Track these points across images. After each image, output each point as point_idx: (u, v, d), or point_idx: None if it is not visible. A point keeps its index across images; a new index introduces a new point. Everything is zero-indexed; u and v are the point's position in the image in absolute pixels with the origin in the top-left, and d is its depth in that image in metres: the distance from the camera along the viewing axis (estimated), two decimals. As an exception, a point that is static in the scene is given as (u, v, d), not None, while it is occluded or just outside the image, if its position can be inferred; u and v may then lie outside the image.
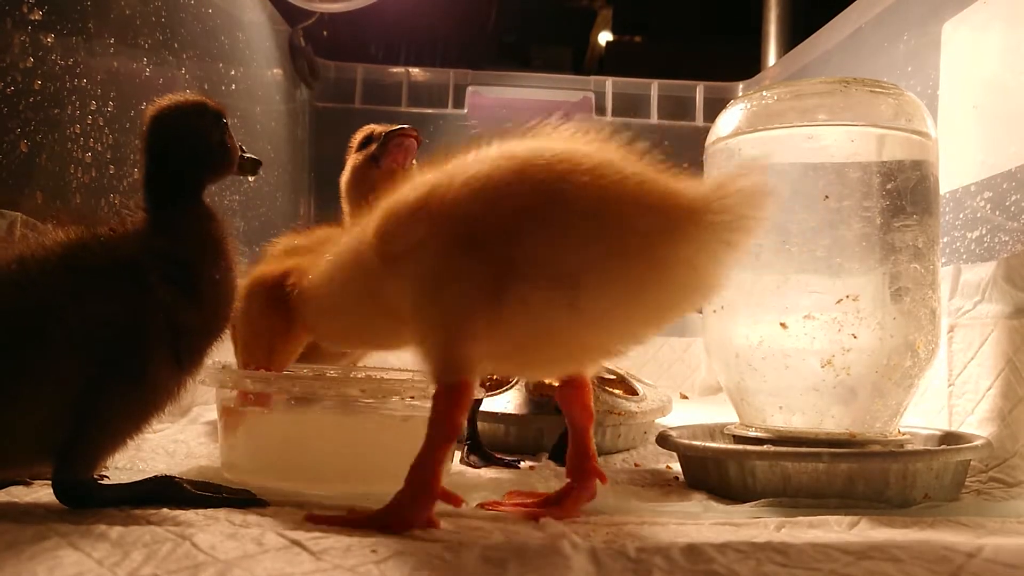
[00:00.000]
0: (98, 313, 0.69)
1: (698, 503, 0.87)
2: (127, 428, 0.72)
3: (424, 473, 0.68)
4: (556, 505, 0.77)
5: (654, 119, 2.37)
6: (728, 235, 0.65)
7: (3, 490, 0.79)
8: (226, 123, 0.82)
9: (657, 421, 1.37)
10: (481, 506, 0.79)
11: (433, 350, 0.70)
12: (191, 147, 0.78)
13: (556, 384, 0.82)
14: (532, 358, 0.75)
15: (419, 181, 0.74)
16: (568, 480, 0.79)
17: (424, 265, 0.70)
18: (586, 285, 0.65)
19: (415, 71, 2.38)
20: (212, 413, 1.31)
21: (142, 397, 0.71)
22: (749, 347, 1.01)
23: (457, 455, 1.10)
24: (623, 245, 0.64)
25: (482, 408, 1.27)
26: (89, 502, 0.70)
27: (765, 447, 0.93)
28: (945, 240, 1.24)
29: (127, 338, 0.69)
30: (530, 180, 0.66)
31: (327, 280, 0.83)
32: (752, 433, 1.02)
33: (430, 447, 0.69)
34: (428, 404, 0.92)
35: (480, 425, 1.30)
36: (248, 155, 0.86)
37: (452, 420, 0.69)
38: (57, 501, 0.71)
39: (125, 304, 0.70)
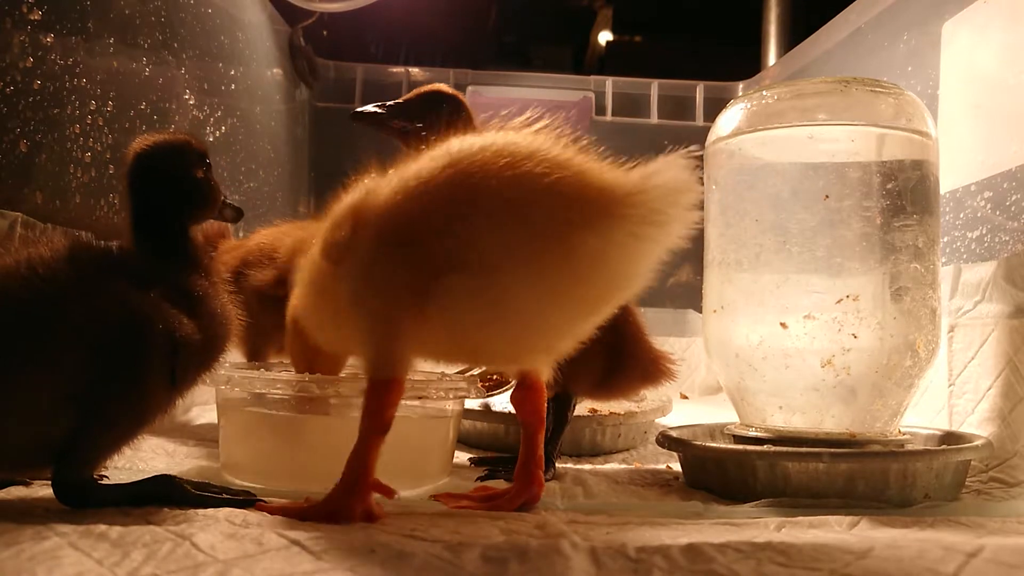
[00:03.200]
0: (101, 316, 0.69)
1: (698, 503, 0.87)
2: (126, 430, 0.72)
3: (357, 466, 0.71)
4: (493, 501, 0.80)
5: (654, 119, 2.37)
6: (638, 229, 0.64)
7: (3, 490, 0.79)
8: (209, 164, 0.82)
9: (657, 421, 1.37)
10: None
11: (365, 347, 0.73)
12: (172, 185, 0.79)
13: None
14: (467, 352, 0.76)
15: (358, 186, 0.76)
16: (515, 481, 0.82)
17: (356, 266, 0.72)
18: (504, 275, 0.65)
19: (415, 71, 2.38)
20: (212, 413, 1.31)
21: (140, 400, 0.71)
22: (749, 347, 1.01)
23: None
24: (536, 234, 0.65)
25: (481, 408, 1.27)
26: (89, 502, 0.70)
27: (765, 447, 0.93)
28: (945, 240, 1.24)
29: (128, 341, 0.70)
30: (452, 175, 0.68)
31: (304, 292, 0.85)
32: (752, 433, 1.02)
33: (362, 441, 0.71)
34: (429, 404, 0.93)
35: (479, 425, 1.30)
36: (231, 202, 0.86)
37: (382, 415, 0.71)
38: (57, 501, 0.71)
39: (128, 310, 0.70)
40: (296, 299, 0.88)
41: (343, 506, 0.69)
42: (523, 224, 0.65)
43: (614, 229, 0.64)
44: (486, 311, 0.67)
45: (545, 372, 0.81)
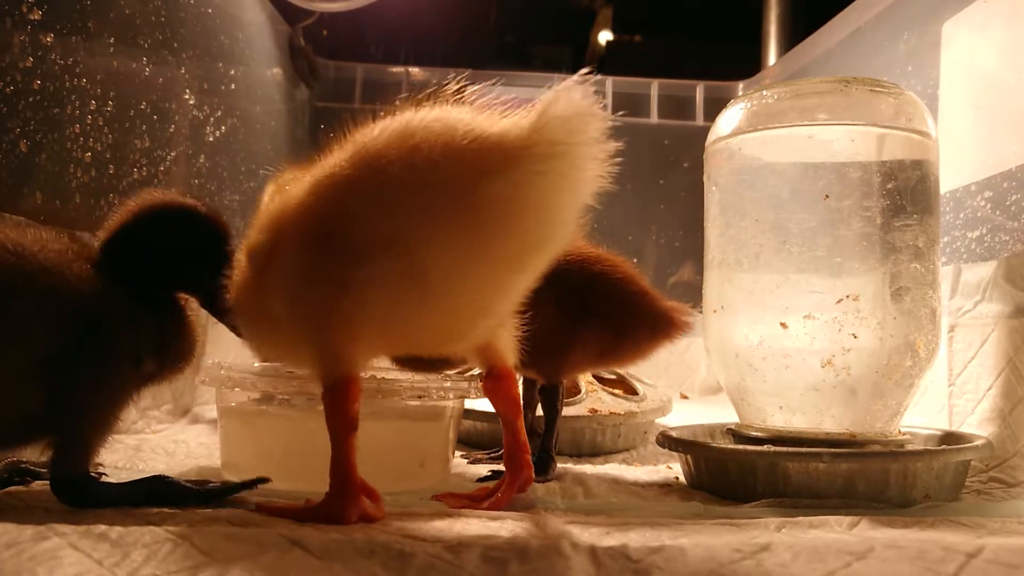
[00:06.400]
0: (67, 288, 0.70)
1: (698, 503, 0.87)
2: (101, 410, 0.73)
3: (339, 471, 0.70)
4: (491, 497, 0.80)
5: (654, 119, 2.36)
6: (540, 166, 0.62)
7: (3, 490, 0.79)
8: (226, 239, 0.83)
9: (657, 421, 1.37)
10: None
11: (308, 351, 0.71)
12: (171, 254, 0.80)
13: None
14: (411, 340, 0.75)
15: (274, 189, 0.76)
16: (505, 471, 0.82)
17: (282, 270, 0.71)
18: (419, 248, 0.64)
19: (415, 70, 2.38)
20: (212, 413, 1.31)
21: (107, 377, 0.72)
22: (749, 347, 1.01)
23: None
24: (441, 197, 0.63)
25: (482, 408, 1.27)
26: (88, 500, 0.71)
27: (765, 447, 0.93)
28: (945, 240, 1.24)
29: (94, 314, 0.71)
30: (357, 159, 0.67)
31: (236, 305, 0.80)
32: (752, 433, 1.02)
33: (335, 446, 0.70)
34: (429, 404, 0.93)
35: (479, 425, 1.30)
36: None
37: (345, 415, 0.69)
38: (57, 502, 0.71)
39: (93, 286, 0.71)
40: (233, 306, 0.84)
41: (336, 510, 0.69)
42: (426, 191, 0.63)
43: (516, 171, 0.62)
44: (412, 290, 0.65)
45: (508, 356, 0.80)
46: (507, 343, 0.80)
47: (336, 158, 0.69)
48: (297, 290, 0.70)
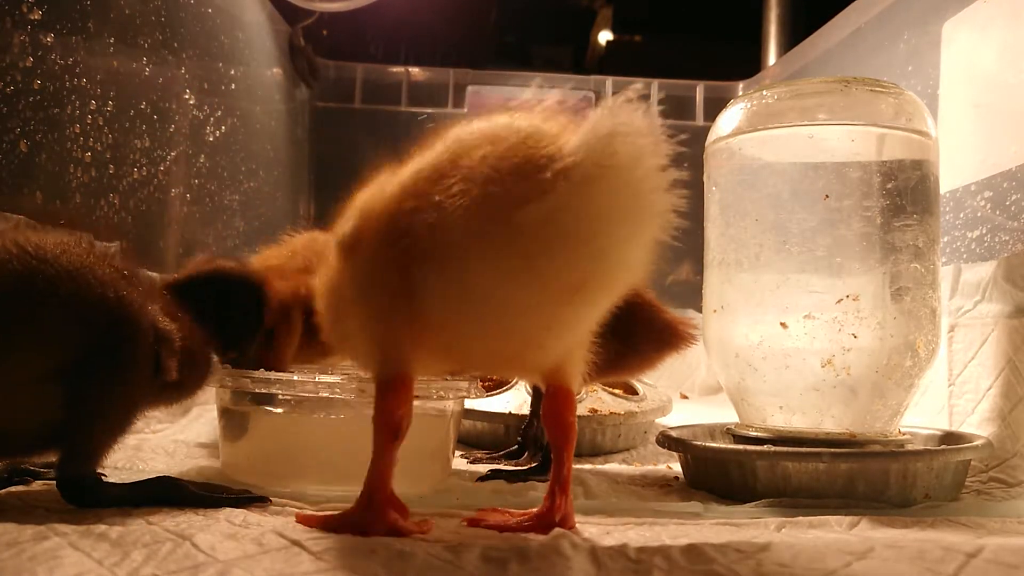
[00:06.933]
0: (88, 295, 0.70)
1: (698, 503, 0.87)
2: (116, 417, 0.73)
3: (371, 480, 0.69)
4: (532, 523, 0.72)
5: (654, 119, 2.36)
6: (582, 191, 0.59)
7: (3, 490, 0.79)
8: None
9: (657, 421, 1.37)
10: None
11: (366, 345, 0.71)
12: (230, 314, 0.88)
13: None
14: (463, 353, 0.73)
15: (368, 184, 0.74)
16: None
17: (359, 264, 0.71)
18: (464, 261, 0.62)
19: (415, 70, 2.38)
20: (212, 413, 1.31)
21: (125, 385, 0.72)
22: (749, 347, 1.01)
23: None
24: (485, 213, 0.61)
25: (482, 408, 1.28)
26: (93, 501, 0.71)
27: (765, 447, 0.93)
28: (945, 240, 1.24)
29: (114, 322, 0.70)
30: (429, 164, 0.66)
31: (319, 291, 0.81)
32: (752, 433, 1.02)
33: (375, 450, 0.69)
34: (429, 404, 0.93)
35: (480, 425, 1.30)
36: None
37: (390, 417, 0.68)
38: (57, 501, 0.71)
39: (116, 293, 0.71)
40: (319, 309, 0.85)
41: (361, 521, 0.67)
42: (473, 207, 0.61)
43: (553, 196, 0.59)
44: (459, 302, 0.64)
45: (571, 377, 0.74)
46: (574, 364, 0.74)
47: (418, 159, 0.69)
48: (367, 283, 0.70)
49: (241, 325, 0.88)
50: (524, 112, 0.67)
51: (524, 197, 0.60)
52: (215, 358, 0.86)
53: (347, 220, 0.73)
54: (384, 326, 0.70)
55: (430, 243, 0.64)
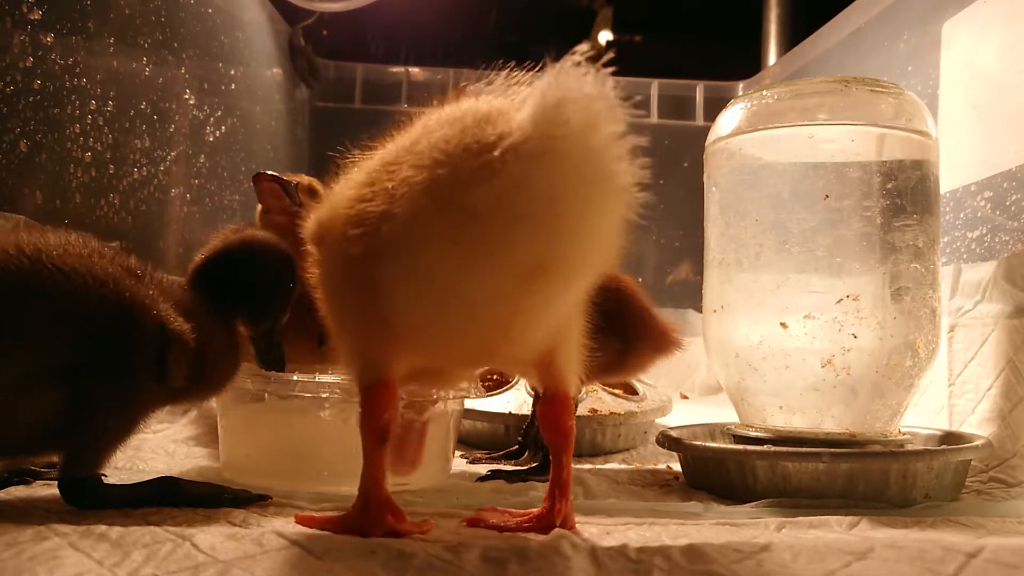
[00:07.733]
0: (92, 296, 0.70)
1: (698, 503, 0.87)
2: (118, 422, 0.72)
3: (365, 484, 0.68)
4: (532, 524, 0.71)
5: (654, 118, 2.36)
6: (529, 167, 0.55)
7: (3, 490, 0.79)
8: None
9: (657, 421, 1.37)
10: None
11: (345, 352, 0.70)
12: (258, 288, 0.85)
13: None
14: (441, 347, 0.70)
15: (325, 194, 0.74)
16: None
17: (324, 263, 0.70)
18: (421, 249, 0.60)
19: (415, 70, 2.38)
20: (212, 413, 1.31)
21: (128, 391, 0.72)
22: (749, 347, 1.01)
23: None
24: (433, 199, 0.58)
25: (482, 408, 1.28)
26: (95, 502, 0.71)
27: (765, 447, 0.93)
28: (945, 240, 1.24)
29: (116, 335, 0.70)
30: (383, 157, 0.65)
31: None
32: (752, 433, 1.02)
33: (364, 456, 0.68)
34: (429, 404, 0.93)
35: (480, 425, 1.30)
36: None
37: (375, 421, 0.67)
38: (57, 502, 0.71)
39: (121, 293, 0.71)
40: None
41: (359, 524, 0.66)
42: (424, 194, 0.59)
43: (501, 176, 0.56)
44: (417, 291, 0.62)
45: (566, 380, 0.72)
46: (568, 365, 0.71)
47: (376, 154, 0.67)
48: (335, 290, 0.69)
49: (275, 291, 0.85)
50: (492, 94, 0.64)
51: (474, 179, 0.56)
52: (237, 366, 0.84)
53: (313, 216, 0.72)
54: (357, 330, 0.68)
55: (387, 234, 0.61)
